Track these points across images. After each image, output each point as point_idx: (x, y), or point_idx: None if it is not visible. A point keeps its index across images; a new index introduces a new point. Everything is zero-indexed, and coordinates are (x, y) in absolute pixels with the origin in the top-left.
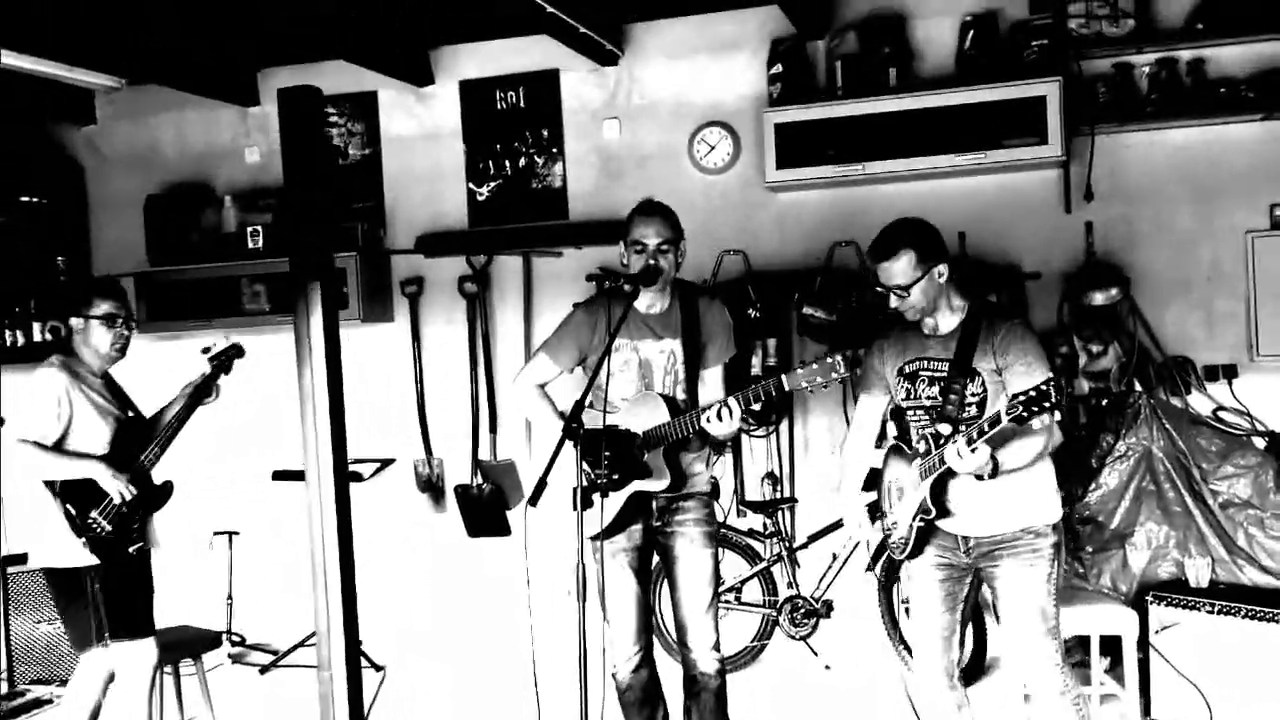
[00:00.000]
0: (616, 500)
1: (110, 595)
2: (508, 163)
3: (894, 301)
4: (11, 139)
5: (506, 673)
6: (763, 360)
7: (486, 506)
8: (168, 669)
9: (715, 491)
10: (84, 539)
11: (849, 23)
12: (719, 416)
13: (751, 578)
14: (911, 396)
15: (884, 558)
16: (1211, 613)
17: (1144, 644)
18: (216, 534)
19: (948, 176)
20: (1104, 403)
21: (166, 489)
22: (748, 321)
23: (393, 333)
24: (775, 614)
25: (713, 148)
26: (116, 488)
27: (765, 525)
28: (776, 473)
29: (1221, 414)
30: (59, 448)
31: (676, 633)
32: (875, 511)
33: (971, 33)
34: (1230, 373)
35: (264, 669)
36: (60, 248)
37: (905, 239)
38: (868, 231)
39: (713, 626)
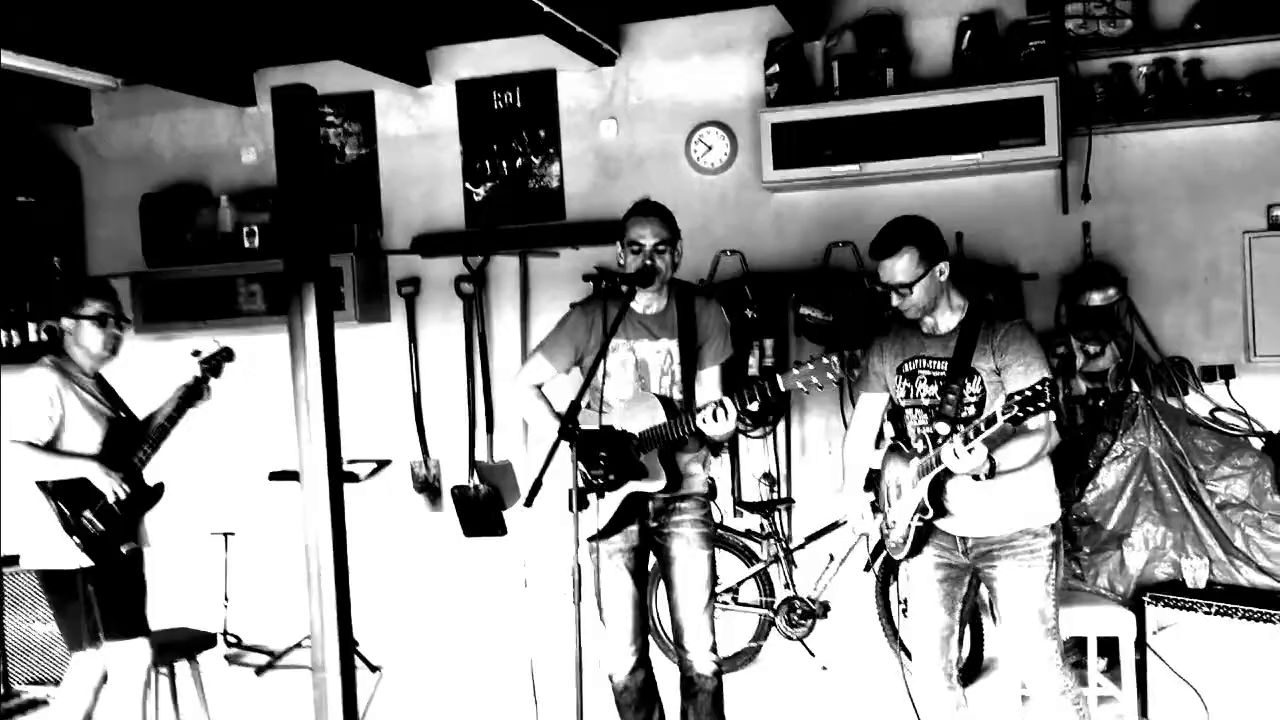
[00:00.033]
0: (613, 501)
1: (103, 595)
2: (504, 163)
3: (895, 300)
4: (7, 139)
5: (503, 673)
6: (760, 361)
7: (483, 507)
8: (163, 670)
9: (712, 492)
10: (76, 538)
11: (846, 23)
12: (715, 417)
13: (748, 578)
14: (910, 395)
15: (882, 557)
16: (1209, 614)
17: (1141, 645)
18: (213, 534)
19: (945, 177)
20: (1101, 403)
21: (158, 490)
22: (745, 322)
23: (389, 333)
24: (772, 615)
25: (710, 148)
26: (110, 485)
27: (762, 526)
28: (773, 473)
29: (1219, 414)
30: (51, 448)
31: (673, 634)
32: (874, 510)
33: (969, 33)
34: (1227, 373)
35: (260, 670)
36: (56, 248)
37: (907, 236)
38: (865, 232)
39: (709, 628)
